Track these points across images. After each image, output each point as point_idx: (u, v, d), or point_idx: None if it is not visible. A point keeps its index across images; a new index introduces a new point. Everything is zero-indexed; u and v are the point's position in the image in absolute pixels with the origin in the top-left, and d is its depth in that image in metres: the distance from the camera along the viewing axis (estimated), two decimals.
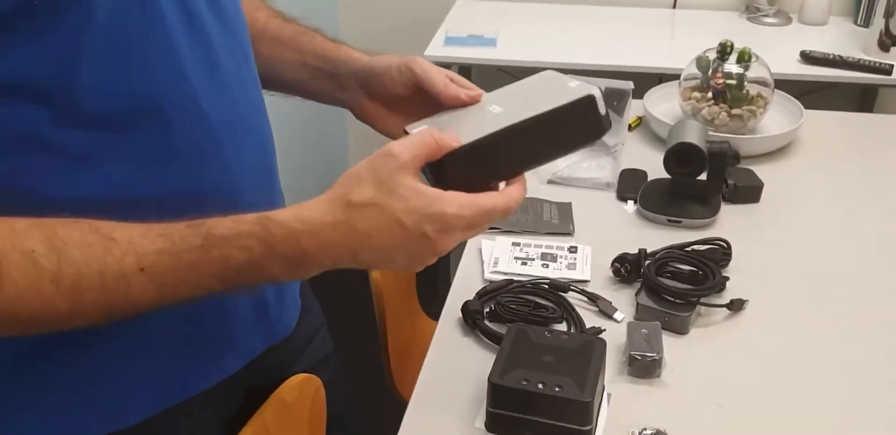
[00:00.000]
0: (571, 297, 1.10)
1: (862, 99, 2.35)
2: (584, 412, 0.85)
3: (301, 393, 0.83)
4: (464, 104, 0.75)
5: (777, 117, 1.56)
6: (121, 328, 0.63)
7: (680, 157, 1.27)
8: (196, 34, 0.66)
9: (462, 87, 0.76)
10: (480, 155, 0.67)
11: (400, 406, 0.94)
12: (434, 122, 0.74)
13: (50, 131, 0.59)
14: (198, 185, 0.67)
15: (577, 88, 0.72)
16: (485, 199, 0.63)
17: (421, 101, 0.78)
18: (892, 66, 1.92)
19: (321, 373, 0.90)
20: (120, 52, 0.60)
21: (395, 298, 1.28)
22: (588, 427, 0.85)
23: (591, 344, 0.91)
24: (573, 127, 0.71)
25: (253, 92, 0.75)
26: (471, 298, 1.08)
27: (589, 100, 0.71)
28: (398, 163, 0.60)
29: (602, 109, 0.72)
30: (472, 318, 1.04)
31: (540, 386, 0.85)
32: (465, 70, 2.50)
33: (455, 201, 0.61)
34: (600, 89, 0.71)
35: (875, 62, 1.93)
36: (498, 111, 0.71)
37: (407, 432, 0.89)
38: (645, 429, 0.88)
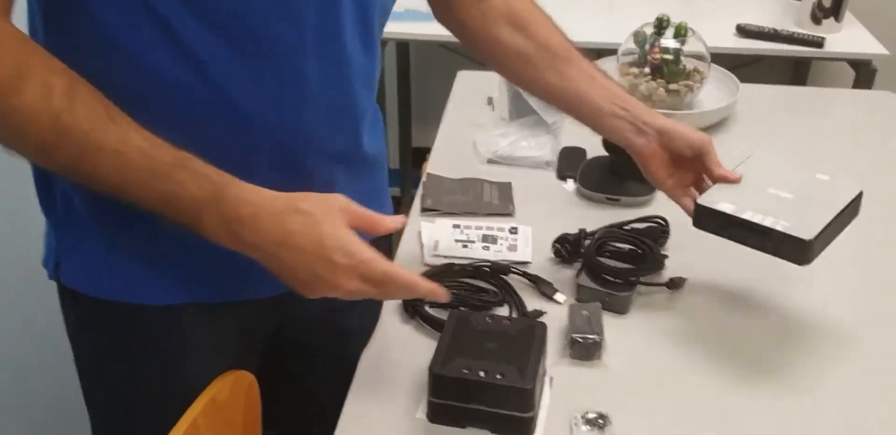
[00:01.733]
0: (513, 279, 1.09)
1: (795, 72, 2.39)
2: (526, 399, 0.84)
3: (233, 391, 0.80)
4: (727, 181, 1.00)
5: (713, 91, 1.56)
6: None
7: None
8: None
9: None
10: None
11: None
12: (724, 196, 1.00)
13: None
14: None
15: (837, 184, 1.00)
16: (394, 266, 0.72)
17: (689, 162, 1.02)
18: (823, 38, 1.94)
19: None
20: None
21: None
22: (530, 413, 0.85)
23: (532, 329, 0.90)
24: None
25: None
26: None
27: (860, 196, 0.97)
28: (345, 204, 0.72)
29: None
30: (412, 304, 1.02)
31: (482, 374, 0.84)
32: (403, 46, 2.45)
33: (370, 251, 0.70)
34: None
35: (808, 35, 1.95)
36: (785, 196, 0.99)
37: (346, 426, 0.87)
38: (587, 413, 0.87)
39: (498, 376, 0.83)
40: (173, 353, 0.84)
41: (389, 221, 0.76)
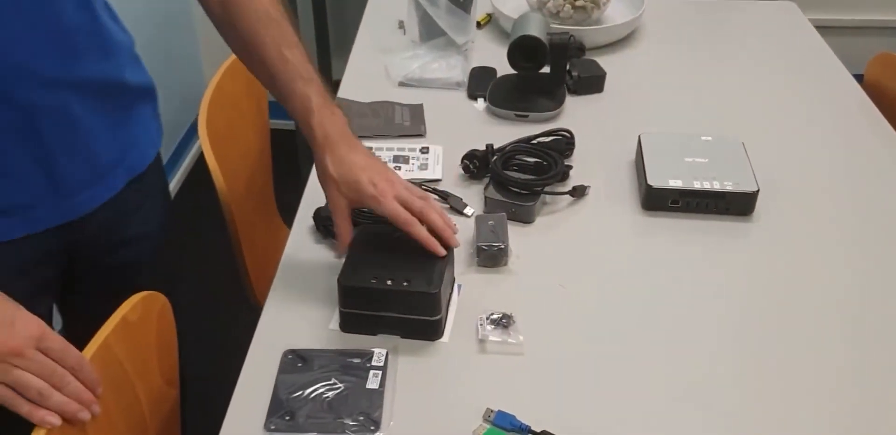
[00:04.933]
0: None
1: None
2: (432, 303, 0.88)
3: (145, 311, 0.82)
4: None
5: (620, 7, 1.58)
6: None
7: (523, 50, 1.28)
8: None
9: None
10: None
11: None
12: (662, 174, 1.10)
13: None
14: None
15: (724, 141, 1.17)
16: None
17: None
18: None
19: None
20: None
21: (248, 209, 1.27)
22: (437, 316, 0.89)
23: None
24: None
25: None
26: (322, 204, 1.08)
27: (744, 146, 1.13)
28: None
29: None
30: (323, 224, 1.05)
31: (389, 283, 0.87)
32: None
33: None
34: None
35: None
36: (702, 161, 1.11)
37: (261, 338, 0.90)
38: (492, 314, 0.92)
39: (405, 283, 0.87)
40: None
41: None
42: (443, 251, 0.90)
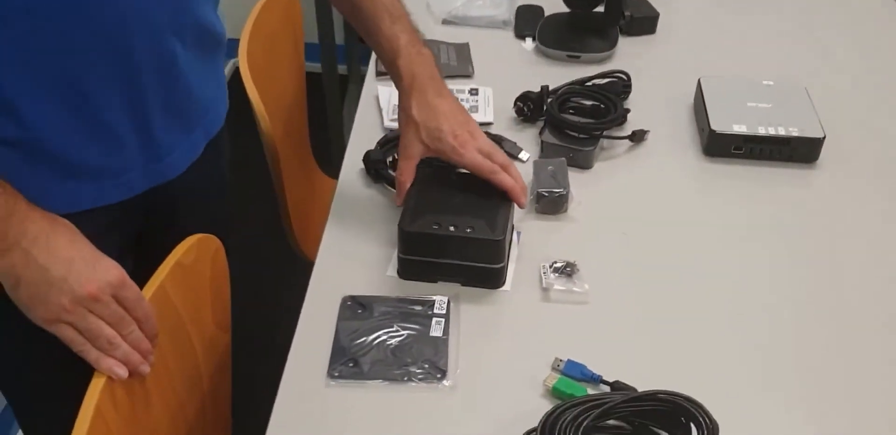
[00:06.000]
0: None
1: None
2: (497, 250, 0.85)
3: (199, 254, 0.79)
4: None
5: None
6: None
7: None
8: None
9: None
10: None
11: (305, 266, 0.92)
12: (726, 119, 1.05)
13: None
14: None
15: (785, 86, 1.10)
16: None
17: None
18: None
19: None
20: None
21: (288, 153, 1.23)
22: (501, 264, 0.86)
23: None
24: None
25: None
26: (372, 147, 1.04)
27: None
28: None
29: None
30: (374, 168, 1.01)
31: (452, 229, 0.84)
32: None
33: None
34: None
35: None
36: (765, 106, 1.06)
37: (318, 285, 0.87)
38: (555, 262, 0.89)
39: (468, 230, 0.84)
40: None
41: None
42: (525, 202, 0.87)
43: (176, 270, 0.76)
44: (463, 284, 0.87)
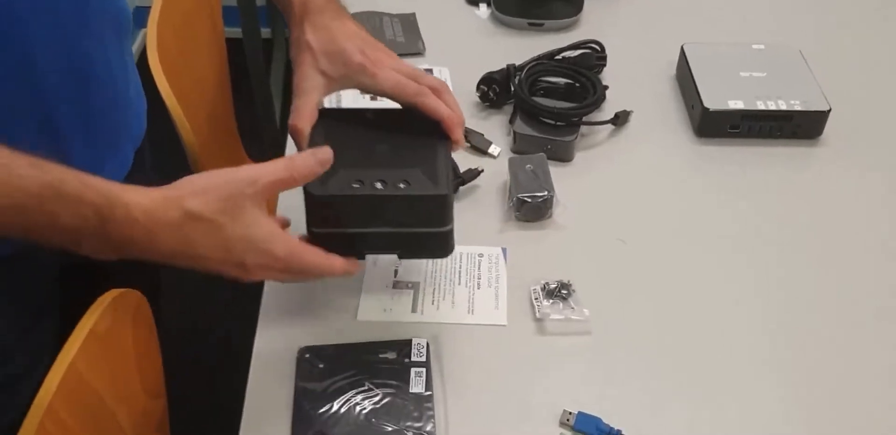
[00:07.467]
0: None
1: None
2: (443, 208, 0.63)
3: (117, 316, 0.63)
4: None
5: None
6: None
7: None
8: None
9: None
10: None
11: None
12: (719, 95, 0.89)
13: None
14: None
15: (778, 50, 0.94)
16: (310, 256, 0.62)
17: None
18: None
19: None
20: None
21: (214, 150, 1.06)
22: (448, 227, 0.64)
23: (430, 122, 0.67)
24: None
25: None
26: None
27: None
28: (253, 189, 0.59)
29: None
30: None
31: (378, 186, 0.62)
32: None
33: (285, 246, 0.60)
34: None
35: None
36: (759, 76, 0.93)
37: (265, 333, 0.72)
38: (547, 283, 0.75)
39: (401, 185, 0.62)
40: None
41: (311, 166, 0.60)
42: (462, 140, 0.68)
43: (90, 343, 0.60)
44: (400, 257, 0.67)
